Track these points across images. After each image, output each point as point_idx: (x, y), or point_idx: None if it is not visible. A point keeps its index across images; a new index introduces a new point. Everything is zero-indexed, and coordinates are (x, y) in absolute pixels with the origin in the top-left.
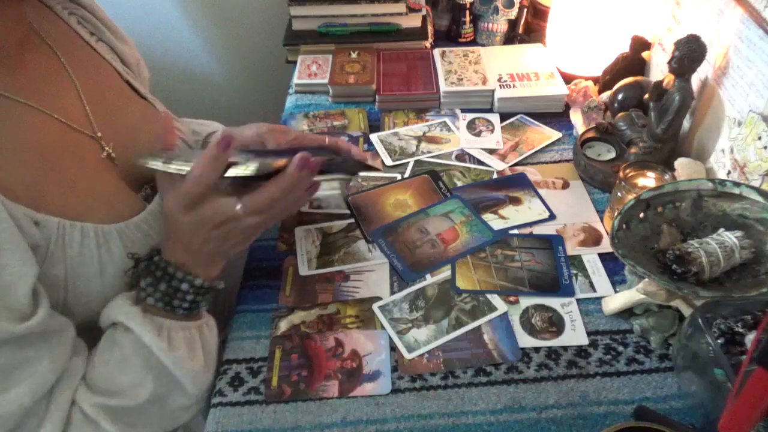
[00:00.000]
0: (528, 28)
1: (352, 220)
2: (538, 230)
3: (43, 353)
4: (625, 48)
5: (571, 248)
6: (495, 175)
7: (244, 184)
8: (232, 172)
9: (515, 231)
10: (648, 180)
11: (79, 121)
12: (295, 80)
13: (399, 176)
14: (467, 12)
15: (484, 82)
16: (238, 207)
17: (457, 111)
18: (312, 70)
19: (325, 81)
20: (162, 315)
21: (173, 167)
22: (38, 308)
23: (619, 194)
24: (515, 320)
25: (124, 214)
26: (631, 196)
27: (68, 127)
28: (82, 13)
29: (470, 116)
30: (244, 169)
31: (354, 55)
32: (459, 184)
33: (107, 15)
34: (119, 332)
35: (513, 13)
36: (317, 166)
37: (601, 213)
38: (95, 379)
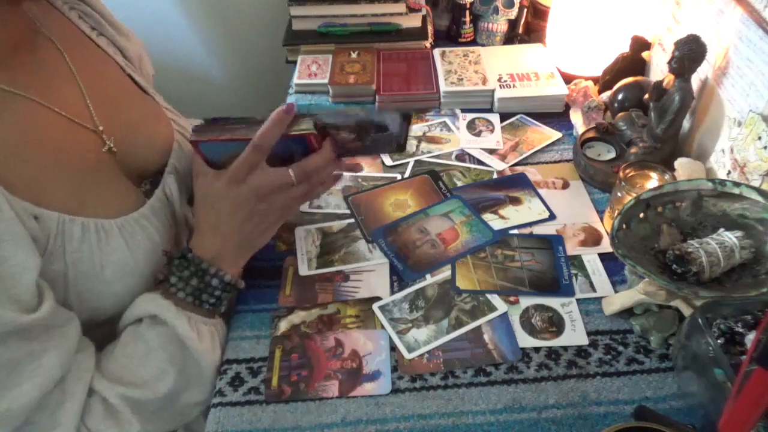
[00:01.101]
0: (528, 28)
1: (352, 220)
2: (538, 230)
3: (49, 346)
4: (625, 48)
5: (571, 248)
6: (495, 175)
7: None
8: (293, 130)
9: (515, 231)
10: (648, 180)
11: (81, 114)
12: (295, 80)
13: (399, 176)
14: (467, 12)
15: (484, 82)
16: (290, 171)
17: (457, 111)
18: (312, 70)
19: (325, 81)
20: (189, 309)
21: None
22: (43, 301)
23: (619, 194)
24: (515, 320)
25: (124, 209)
26: (631, 196)
27: (70, 121)
28: (83, 8)
29: (470, 116)
30: (303, 124)
31: (354, 55)
32: (459, 184)
33: (108, 10)
34: (144, 326)
35: (513, 13)
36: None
37: (601, 213)
38: (118, 371)
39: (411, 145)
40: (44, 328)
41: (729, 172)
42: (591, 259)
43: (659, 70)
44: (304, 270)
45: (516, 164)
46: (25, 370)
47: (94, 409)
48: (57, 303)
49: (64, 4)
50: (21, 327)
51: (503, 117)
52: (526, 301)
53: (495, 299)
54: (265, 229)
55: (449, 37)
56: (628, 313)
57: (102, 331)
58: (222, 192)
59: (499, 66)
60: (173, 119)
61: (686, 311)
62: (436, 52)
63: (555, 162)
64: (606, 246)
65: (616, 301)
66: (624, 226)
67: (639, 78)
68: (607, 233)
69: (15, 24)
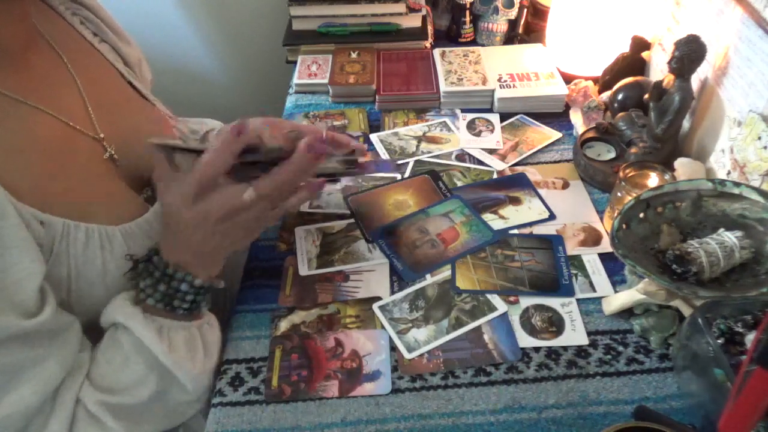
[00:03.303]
0: (528, 28)
1: (352, 220)
2: (538, 230)
3: (51, 351)
4: (625, 48)
5: (571, 248)
6: (495, 175)
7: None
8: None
9: (515, 231)
10: (648, 180)
11: (82, 122)
12: (295, 80)
13: (399, 176)
14: (467, 12)
15: (484, 82)
16: (246, 193)
17: (457, 111)
18: (312, 70)
19: (325, 81)
20: (162, 315)
21: (191, 143)
22: (46, 306)
23: (619, 194)
24: (515, 320)
25: (127, 216)
26: (631, 196)
27: (71, 128)
28: (85, 14)
29: (470, 116)
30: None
31: (354, 55)
32: (459, 184)
33: (110, 15)
34: (120, 331)
35: (513, 13)
36: (323, 151)
37: (601, 213)
38: (99, 377)
39: (411, 145)
40: (46, 333)
41: (729, 172)
42: (591, 259)
43: (659, 70)
44: (304, 270)
45: (516, 164)
46: (27, 375)
47: (80, 416)
48: (58, 306)
49: (66, 10)
50: (23, 332)
51: (503, 117)
52: (526, 301)
53: (495, 299)
54: (233, 242)
55: (449, 37)
56: (628, 313)
57: (99, 334)
58: (175, 210)
59: (499, 66)
60: (174, 126)
61: (686, 311)
62: (436, 52)
63: (555, 162)
64: (606, 246)
65: (616, 301)
66: (624, 226)
67: (639, 78)
68: (607, 233)
69: (19, 25)
